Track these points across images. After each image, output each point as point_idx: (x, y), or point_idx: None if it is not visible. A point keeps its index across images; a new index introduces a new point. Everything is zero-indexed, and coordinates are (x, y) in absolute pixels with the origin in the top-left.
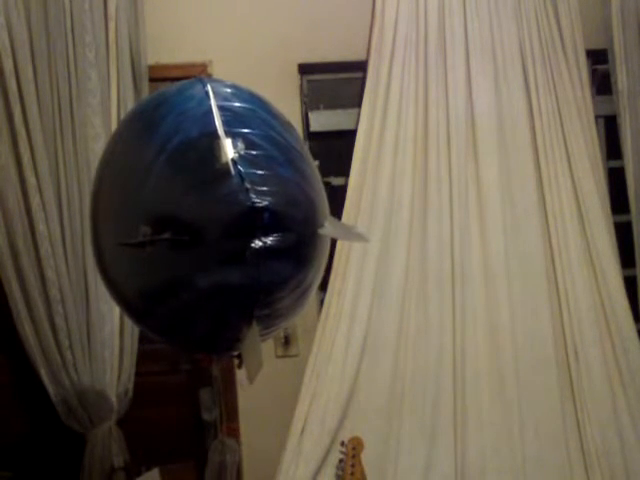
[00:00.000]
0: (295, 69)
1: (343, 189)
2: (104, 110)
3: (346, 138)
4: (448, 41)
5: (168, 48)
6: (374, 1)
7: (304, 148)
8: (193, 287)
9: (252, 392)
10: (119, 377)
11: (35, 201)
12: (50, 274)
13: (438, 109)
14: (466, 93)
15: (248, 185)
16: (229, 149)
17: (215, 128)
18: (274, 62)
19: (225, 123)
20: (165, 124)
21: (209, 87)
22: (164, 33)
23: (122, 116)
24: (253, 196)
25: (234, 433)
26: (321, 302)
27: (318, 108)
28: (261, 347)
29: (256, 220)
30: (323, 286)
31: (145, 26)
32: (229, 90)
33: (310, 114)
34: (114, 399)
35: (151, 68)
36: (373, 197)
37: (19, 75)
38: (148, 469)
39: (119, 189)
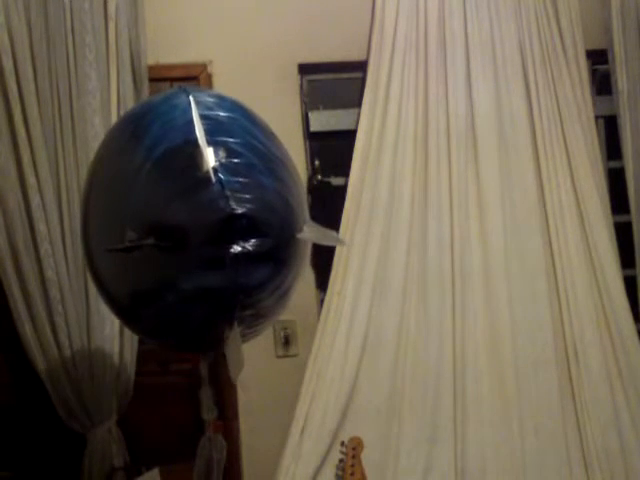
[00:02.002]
0: (295, 69)
1: (343, 189)
2: (104, 110)
3: (346, 138)
4: (448, 41)
5: (168, 48)
6: (374, 1)
7: (286, 156)
8: (177, 290)
9: (252, 392)
10: (119, 377)
11: (35, 201)
12: (50, 274)
13: (438, 109)
14: (466, 93)
15: (228, 192)
16: (210, 157)
17: (200, 137)
18: (274, 62)
19: (207, 132)
20: (151, 132)
21: (191, 97)
22: (164, 33)
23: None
24: (232, 203)
25: (220, 429)
26: (321, 302)
27: (318, 108)
28: (242, 346)
29: (235, 226)
30: (323, 286)
31: (145, 26)
32: (212, 99)
33: (310, 114)
34: (114, 399)
35: (151, 68)
36: (373, 197)
37: (19, 75)
38: (148, 469)
39: (108, 194)
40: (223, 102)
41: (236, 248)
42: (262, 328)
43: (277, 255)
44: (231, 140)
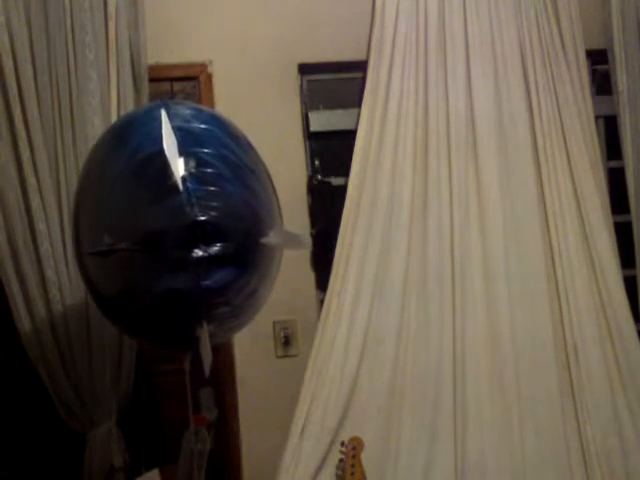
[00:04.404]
0: (295, 69)
1: (343, 189)
2: (104, 110)
3: (346, 138)
4: (448, 41)
5: (168, 48)
6: (374, 1)
7: (259, 167)
8: (149, 291)
9: (252, 392)
10: (119, 377)
11: (35, 201)
12: (50, 274)
13: (438, 109)
14: (466, 93)
15: (194, 200)
16: (180, 167)
17: (171, 147)
18: (274, 62)
19: (181, 143)
20: (131, 142)
21: (162, 110)
22: (164, 33)
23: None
24: (197, 210)
25: (203, 423)
26: (321, 302)
27: (318, 108)
28: (209, 343)
29: (198, 231)
30: (323, 286)
31: (145, 26)
32: (190, 112)
33: (310, 114)
34: (114, 399)
35: (151, 68)
36: (373, 197)
37: (19, 75)
38: (148, 469)
39: (93, 199)
40: (200, 114)
41: (198, 252)
42: (236, 327)
43: (240, 259)
44: (203, 151)
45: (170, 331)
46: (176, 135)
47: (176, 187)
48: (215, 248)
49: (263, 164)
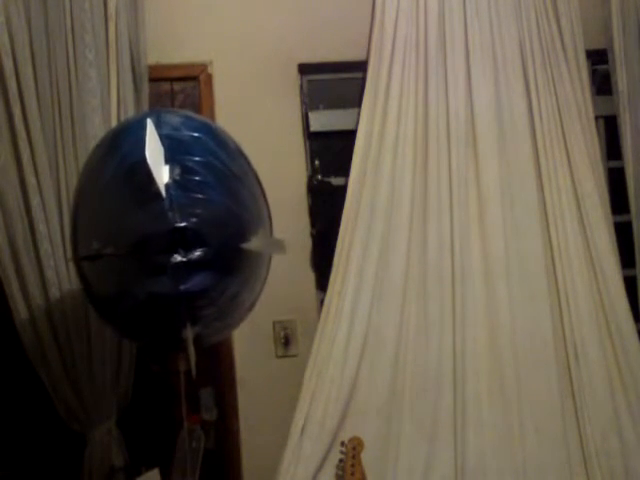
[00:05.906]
0: (295, 69)
1: (343, 189)
2: (104, 110)
3: (346, 138)
4: (448, 41)
5: (168, 48)
6: (374, 1)
7: (248, 173)
8: (134, 294)
9: (252, 392)
10: (119, 377)
11: (35, 201)
12: (50, 274)
13: (438, 109)
14: (466, 93)
15: (176, 207)
16: (165, 174)
17: (156, 155)
18: (274, 62)
19: (168, 150)
20: (122, 149)
21: (149, 119)
22: (164, 33)
23: (122, 116)
24: (178, 216)
25: (197, 421)
26: (321, 302)
27: (318, 108)
28: (192, 345)
29: (177, 237)
30: (323, 286)
31: (145, 26)
32: (180, 119)
33: (310, 114)
34: (114, 399)
35: (151, 68)
36: (373, 197)
37: (19, 75)
38: (148, 469)
39: (87, 203)
40: (190, 122)
41: (176, 257)
42: (224, 329)
43: (219, 264)
44: (189, 158)
45: (158, 333)
46: (164, 143)
47: (159, 194)
48: (195, 253)
49: (253, 170)
